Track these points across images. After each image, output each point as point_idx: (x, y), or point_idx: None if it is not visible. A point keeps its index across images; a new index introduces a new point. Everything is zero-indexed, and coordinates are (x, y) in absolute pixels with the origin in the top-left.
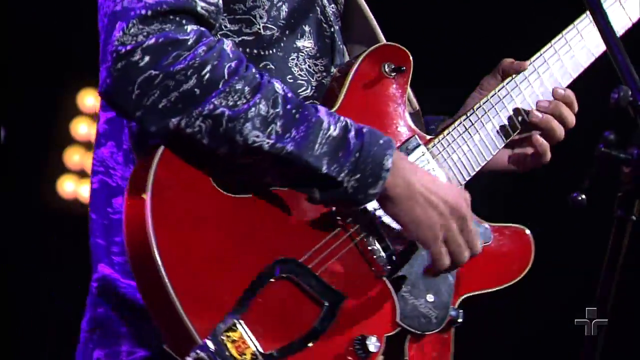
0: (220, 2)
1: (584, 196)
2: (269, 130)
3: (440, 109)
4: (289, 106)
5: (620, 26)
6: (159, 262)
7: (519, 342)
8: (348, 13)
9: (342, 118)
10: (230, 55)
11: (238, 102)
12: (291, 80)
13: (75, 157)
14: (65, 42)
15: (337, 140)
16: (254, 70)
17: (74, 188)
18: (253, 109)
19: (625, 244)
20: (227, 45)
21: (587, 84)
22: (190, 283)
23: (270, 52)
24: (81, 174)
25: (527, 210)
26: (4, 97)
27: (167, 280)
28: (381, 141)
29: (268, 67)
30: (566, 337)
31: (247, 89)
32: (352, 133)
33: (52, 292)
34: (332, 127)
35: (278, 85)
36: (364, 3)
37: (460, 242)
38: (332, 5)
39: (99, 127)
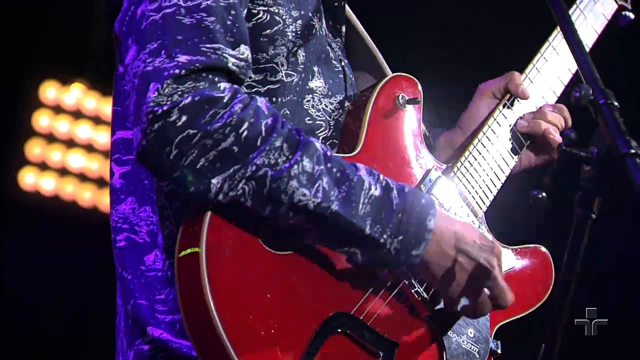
0: (250, 57)
1: (544, 194)
2: (315, 187)
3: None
4: (329, 164)
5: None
6: (222, 332)
7: None
8: (349, 42)
9: (381, 177)
10: (266, 112)
11: (279, 160)
12: (310, 122)
13: (36, 149)
14: (28, 34)
15: (380, 201)
16: (289, 126)
17: (34, 180)
18: (296, 166)
19: (584, 241)
20: (262, 102)
21: None
22: (253, 350)
23: (288, 98)
24: (42, 166)
25: (489, 208)
26: None
27: (231, 349)
28: (423, 201)
29: (285, 112)
30: (525, 331)
31: (285, 145)
32: (395, 193)
33: None
34: (373, 187)
35: (317, 144)
36: (362, 29)
37: (485, 301)
38: (337, 39)
39: (114, 182)
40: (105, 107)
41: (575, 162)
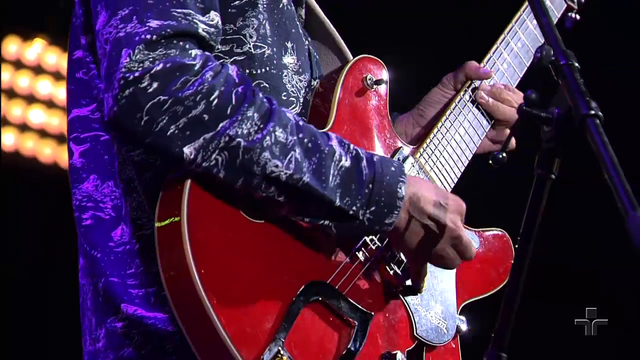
0: (220, 23)
1: (504, 154)
2: (288, 158)
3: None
4: (301, 135)
5: None
6: (204, 296)
7: None
8: (308, 24)
9: (352, 147)
10: (237, 80)
11: (251, 131)
12: (285, 98)
13: None
14: None
15: (350, 172)
16: (261, 95)
17: None
18: (268, 137)
19: (544, 202)
20: (233, 70)
21: None
22: (235, 314)
23: (263, 70)
24: (2, 121)
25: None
26: None
27: (213, 313)
28: (392, 168)
29: (262, 85)
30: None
31: (257, 115)
32: (364, 163)
33: None
34: (343, 158)
35: (289, 114)
36: (321, 12)
37: (452, 257)
38: (297, 20)
39: (74, 161)
40: (66, 62)
41: (536, 123)
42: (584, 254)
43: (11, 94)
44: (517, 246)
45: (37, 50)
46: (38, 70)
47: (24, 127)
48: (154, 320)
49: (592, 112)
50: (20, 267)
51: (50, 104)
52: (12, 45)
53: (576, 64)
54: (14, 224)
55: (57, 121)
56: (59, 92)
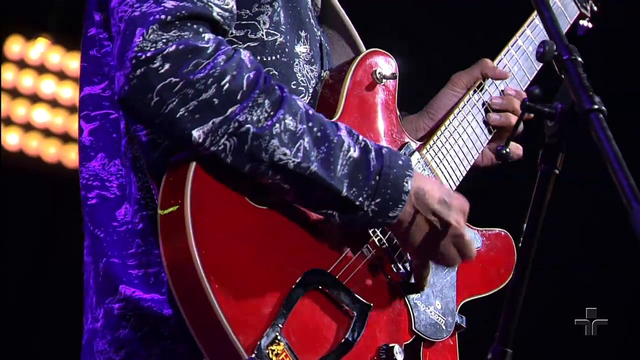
0: (234, 8)
1: (508, 149)
2: (296, 146)
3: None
4: (311, 123)
5: None
6: (205, 281)
7: None
8: (323, 14)
9: (361, 138)
10: (249, 66)
11: (261, 117)
12: (294, 87)
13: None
14: None
15: (357, 162)
16: (272, 82)
17: None
18: (277, 124)
19: (548, 197)
20: (245, 55)
21: None
22: (235, 299)
23: (274, 57)
24: (6, 121)
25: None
26: None
27: (214, 298)
28: (400, 162)
29: (272, 72)
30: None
31: (268, 102)
32: (372, 154)
33: None
34: (352, 148)
35: (299, 102)
36: (337, 2)
37: (453, 255)
38: (312, 7)
39: (84, 139)
40: (69, 62)
41: (539, 118)
42: (584, 253)
43: (15, 93)
44: (521, 239)
45: (40, 49)
46: (41, 69)
47: (28, 127)
48: (151, 302)
49: (596, 106)
50: (23, 267)
51: (54, 103)
52: (16, 45)
53: (579, 59)
54: (18, 224)
55: (61, 120)
56: (63, 92)
